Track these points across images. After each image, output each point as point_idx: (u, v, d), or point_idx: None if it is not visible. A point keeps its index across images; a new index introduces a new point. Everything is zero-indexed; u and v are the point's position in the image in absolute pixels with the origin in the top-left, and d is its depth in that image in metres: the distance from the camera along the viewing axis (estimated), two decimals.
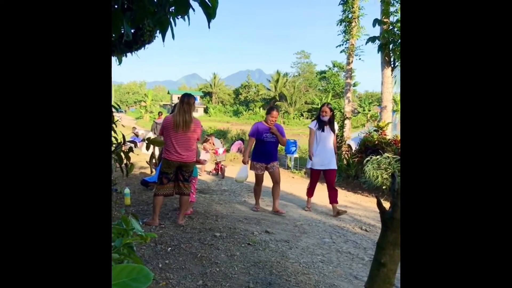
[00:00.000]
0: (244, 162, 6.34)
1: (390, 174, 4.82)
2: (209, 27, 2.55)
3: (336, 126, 6.69)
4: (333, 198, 6.41)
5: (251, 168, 6.19)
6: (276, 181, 6.15)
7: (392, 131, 13.43)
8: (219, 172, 11.27)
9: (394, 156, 8.62)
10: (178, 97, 5.25)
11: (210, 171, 11.66)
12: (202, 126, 5.10)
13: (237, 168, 9.34)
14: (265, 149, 6.06)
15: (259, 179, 6.23)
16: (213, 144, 18.55)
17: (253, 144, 6.19)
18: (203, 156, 10.72)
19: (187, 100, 4.68)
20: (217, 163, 11.44)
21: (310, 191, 6.80)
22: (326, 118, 6.37)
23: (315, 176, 6.61)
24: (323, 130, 6.36)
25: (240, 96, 68.33)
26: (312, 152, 6.44)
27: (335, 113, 8.17)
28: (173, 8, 2.51)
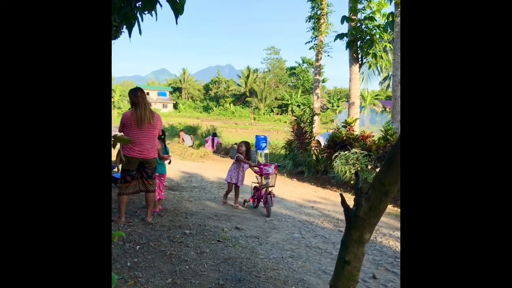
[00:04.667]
0: None
1: (355, 172, 4.90)
2: (176, 23, 2.53)
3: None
4: None
5: None
6: None
7: (360, 127, 13.69)
8: (262, 203, 6.31)
9: (361, 152, 8.81)
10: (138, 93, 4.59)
11: (246, 201, 6.63)
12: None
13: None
14: None
15: None
16: (183, 141, 17.75)
17: None
18: (236, 175, 6.47)
19: (145, 94, 4.62)
20: (259, 189, 6.39)
21: None
22: None
23: None
24: None
25: (210, 91, 67.81)
26: None
27: (305, 110, 7.12)
28: (140, 3, 2.48)
